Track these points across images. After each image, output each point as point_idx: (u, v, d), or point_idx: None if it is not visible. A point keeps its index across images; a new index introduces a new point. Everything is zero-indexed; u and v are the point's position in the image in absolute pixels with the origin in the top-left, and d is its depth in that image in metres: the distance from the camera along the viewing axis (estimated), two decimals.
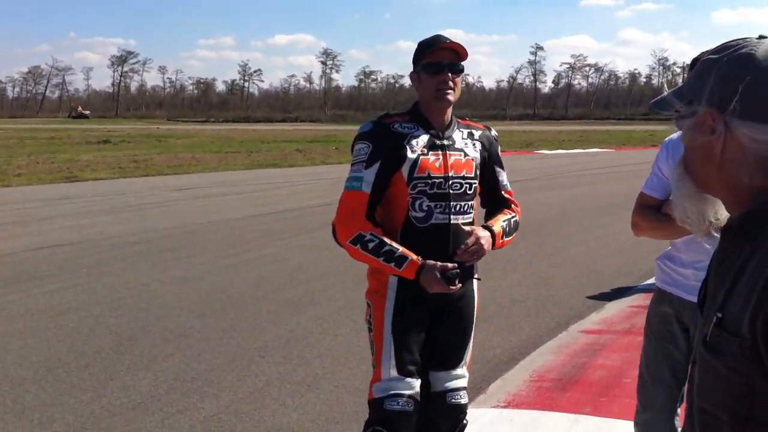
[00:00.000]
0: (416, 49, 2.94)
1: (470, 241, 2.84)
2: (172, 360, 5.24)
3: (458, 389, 2.99)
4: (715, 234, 1.25)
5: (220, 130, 64.78)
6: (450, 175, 2.89)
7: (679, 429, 2.93)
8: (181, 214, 12.57)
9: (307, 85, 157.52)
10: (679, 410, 2.94)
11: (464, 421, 3.02)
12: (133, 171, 20.88)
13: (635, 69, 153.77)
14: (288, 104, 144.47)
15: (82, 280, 7.63)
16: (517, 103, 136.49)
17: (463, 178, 2.91)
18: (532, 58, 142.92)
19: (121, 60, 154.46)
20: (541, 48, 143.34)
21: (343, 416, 4.29)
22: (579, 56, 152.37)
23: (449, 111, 2.97)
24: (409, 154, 2.85)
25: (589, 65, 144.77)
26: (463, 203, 2.91)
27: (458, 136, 2.98)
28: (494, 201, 3.12)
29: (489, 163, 3.06)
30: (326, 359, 5.24)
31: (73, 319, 6.22)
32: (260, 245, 9.67)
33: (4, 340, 5.67)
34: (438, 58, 2.84)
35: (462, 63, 2.90)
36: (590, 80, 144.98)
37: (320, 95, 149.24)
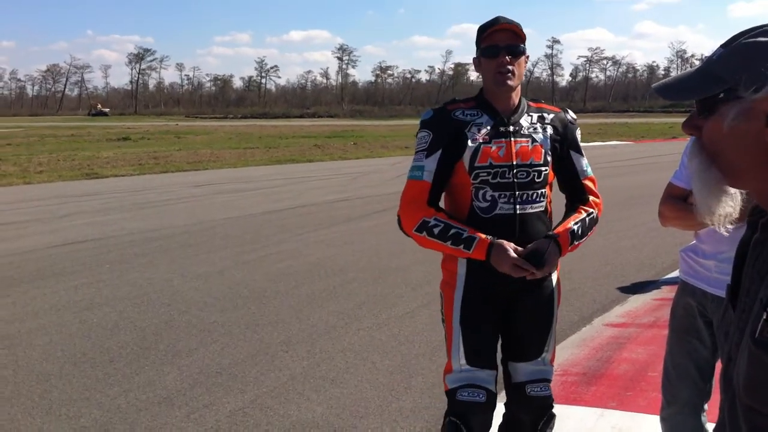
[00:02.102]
0: (477, 33, 2.81)
1: (538, 274, 2.68)
2: (196, 355, 5.26)
3: (538, 381, 2.89)
4: (730, 226, 1.21)
5: (238, 127, 64.98)
6: (515, 163, 2.74)
7: (706, 425, 2.90)
8: (200, 210, 12.62)
9: (324, 81, 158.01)
10: (706, 406, 2.91)
11: (549, 414, 2.91)
12: (153, 167, 20.97)
13: (653, 62, 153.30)
14: (305, 100, 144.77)
15: (104, 276, 7.68)
16: (530, 97, 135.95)
17: (530, 165, 2.76)
18: (548, 51, 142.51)
19: (138, 57, 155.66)
20: (557, 41, 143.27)
21: (367, 411, 4.29)
22: (596, 49, 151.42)
23: (518, 95, 2.83)
24: (470, 143, 2.73)
25: (606, 58, 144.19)
26: (530, 192, 2.77)
27: (526, 121, 2.82)
28: (572, 189, 2.96)
29: (563, 147, 2.88)
30: (349, 354, 5.25)
31: (97, 314, 6.27)
32: (280, 240, 9.68)
33: (29, 336, 5.72)
34: (494, 40, 2.71)
35: (522, 44, 2.75)
36: (608, 73, 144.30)
37: (337, 91, 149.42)
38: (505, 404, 3.02)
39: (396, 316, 6.10)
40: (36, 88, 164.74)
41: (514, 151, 2.74)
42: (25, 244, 9.55)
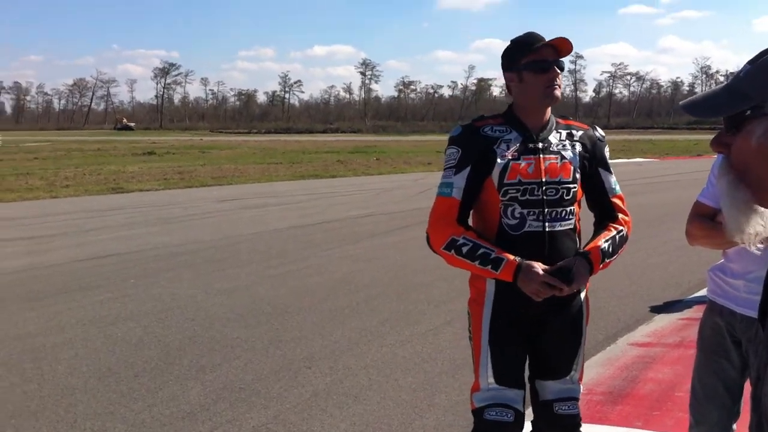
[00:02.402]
0: (511, 48, 2.81)
1: (566, 290, 2.67)
2: (219, 370, 5.28)
3: (566, 399, 2.88)
4: (761, 245, 1.20)
5: (262, 142, 65.44)
6: (544, 180, 2.73)
7: None
8: (225, 226, 12.69)
9: (347, 96, 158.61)
10: (734, 426, 2.89)
11: None
12: (178, 182, 21.15)
13: (677, 77, 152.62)
14: (328, 115, 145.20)
15: (129, 290, 7.73)
16: (558, 114, 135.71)
17: (559, 183, 2.75)
18: (571, 66, 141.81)
19: (163, 72, 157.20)
20: (580, 56, 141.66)
21: (390, 428, 4.27)
22: (620, 65, 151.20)
23: (548, 112, 2.84)
24: (499, 159, 2.72)
25: (630, 74, 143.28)
26: (560, 209, 2.76)
27: (555, 137, 2.82)
28: (600, 207, 2.93)
29: (592, 165, 2.87)
30: (372, 371, 5.24)
31: (122, 329, 6.31)
32: (304, 256, 9.71)
33: (55, 350, 5.77)
34: (543, 55, 2.71)
35: (563, 60, 2.78)
36: (632, 89, 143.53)
37: (360, 106, 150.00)
38: (531, 422, 3.00)
39: (419, 333, 6.08)
40: (62, 102, 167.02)
41: (543, 167, 2.74)
42: (52, 258, 9.66)
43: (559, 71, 2.74)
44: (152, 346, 5.84)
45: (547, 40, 2.73)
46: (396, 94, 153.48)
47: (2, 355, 5.68)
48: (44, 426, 4.38)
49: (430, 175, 23.31)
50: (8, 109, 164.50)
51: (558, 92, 2.75)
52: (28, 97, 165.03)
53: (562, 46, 2.73)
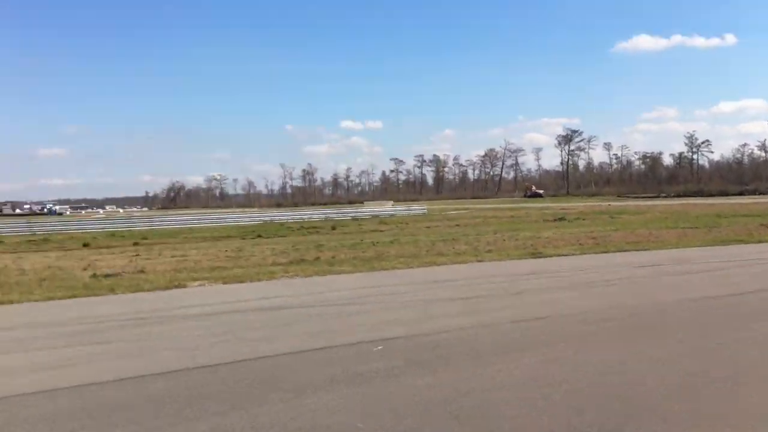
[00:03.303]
0: None
1: None
2: None
3: None
4: None
5: (672, 205, 63.01)
6: None
7: None
8: (646, 291, 12.43)
9: (763, 154, 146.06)
10: None
11: None
12: (593, 247, 21.26)
13: None
14: (742, 175, 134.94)
15: (560, 354, 7.94)
16: None
17: None
18: None
19: (566, 139, 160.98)
20: None
21: None
22: None
23: None
24: None
25: None
26: None
27: None
28: None
29: None
30: None
31: (558, 391, 6.51)
32: (737, 327, 9.11)
33: (498, 407, 6.14)
34: None
35: None
36: None
37: None
38: None
39: None
40: (475, 171, 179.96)
41: None
42: (486, 318, 10.27)
43: None
44: (590, 411, 5.93)
45: None
46: None
47: (453, 408, 6.20)
48: None
49: None
50: (429, 180, 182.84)
51: None
52: (446, 168, 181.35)
53: None
